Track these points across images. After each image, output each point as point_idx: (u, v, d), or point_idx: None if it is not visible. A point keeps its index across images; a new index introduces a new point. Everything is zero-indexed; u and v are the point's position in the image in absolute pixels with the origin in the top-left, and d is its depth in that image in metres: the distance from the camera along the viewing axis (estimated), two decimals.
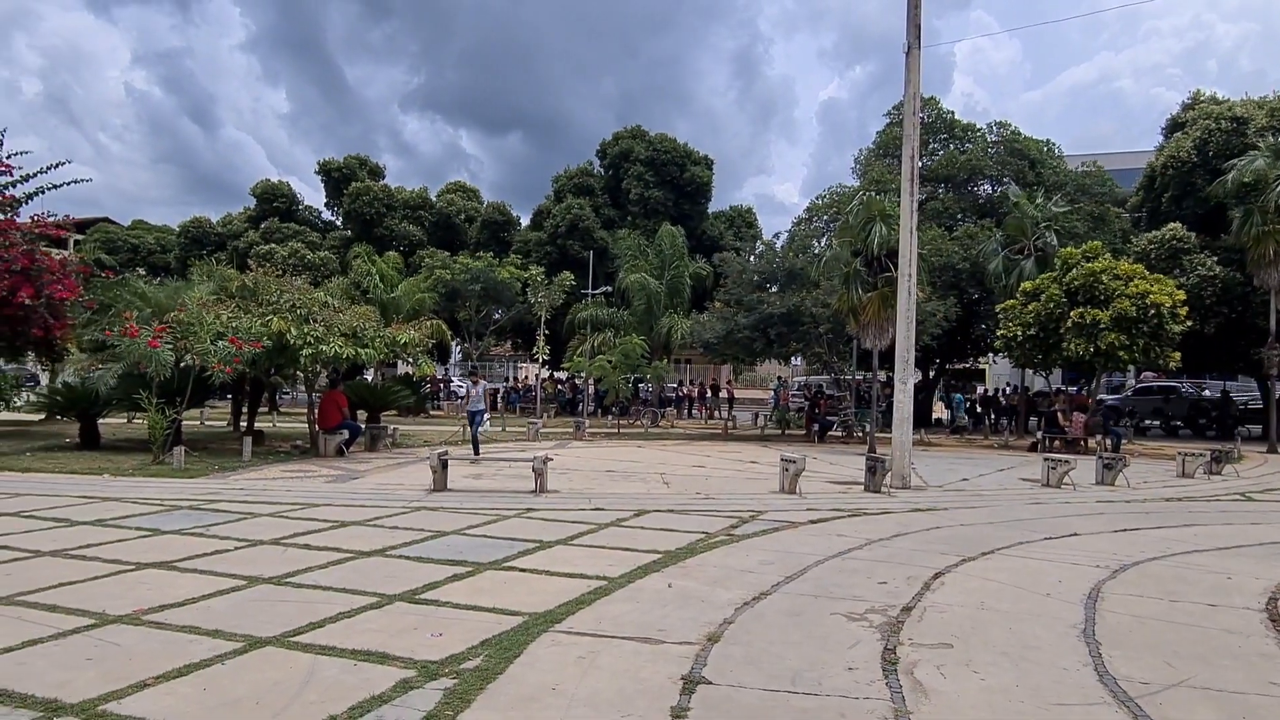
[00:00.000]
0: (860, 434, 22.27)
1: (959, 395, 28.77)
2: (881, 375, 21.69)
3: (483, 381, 17.85)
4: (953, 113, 30.17)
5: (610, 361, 26.44)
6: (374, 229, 38.61)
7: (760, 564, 6.97)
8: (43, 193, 18.40)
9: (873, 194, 21.45)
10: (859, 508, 10.23)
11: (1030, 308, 19.67)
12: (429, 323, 23.92)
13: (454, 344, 36.00)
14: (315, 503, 9.96)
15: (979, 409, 28.57)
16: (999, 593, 6.16)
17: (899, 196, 14.55)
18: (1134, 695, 4.15)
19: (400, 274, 31.45)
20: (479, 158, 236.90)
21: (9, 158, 17.93)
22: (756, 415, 27.84)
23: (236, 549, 7.29)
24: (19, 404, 21.47)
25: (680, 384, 38.06)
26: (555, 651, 4.67)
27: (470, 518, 9.09)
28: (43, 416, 18.92)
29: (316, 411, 16.31)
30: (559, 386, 36.34)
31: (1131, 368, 23.79)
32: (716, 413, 31.33)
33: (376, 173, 42.58)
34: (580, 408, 28.69)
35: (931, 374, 30.88)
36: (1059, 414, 20.76)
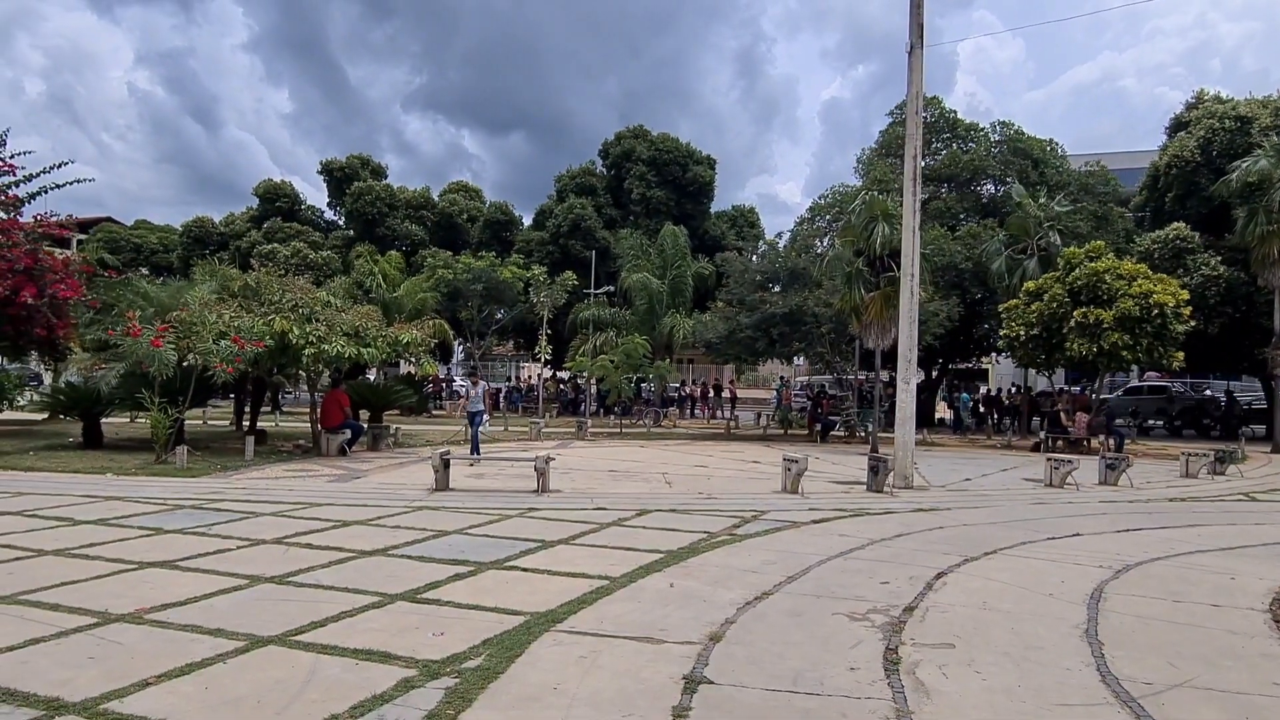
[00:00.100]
0: (863, 434, 22.24)
1: (966, 395, 28.70)
2: (884, 375, 21.68)
3: (482, 382, 17.81)
4: (955, 112, 30.12)
5: (612, 361, 26.43)
6: (376, 229, 38.66)
7: (762, 564, 6.96)
8: (45, 192, 18.46)
9: (875, 193, 21.43)
10: (861, 508, 10.21)
11: (1033, 307, 19.64)
12: (431, 322, 23.93)
13: (456, 344, 36.03)
14: (317, 502, 9.97)
15: (982, 409, 28.54)
16: (1001, 593, 6.15)
17: (901, 196, 14.52)
18: (1137, 695, 4.14)
19: (402, 274, 31.52)
20: (481, 157, 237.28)
21: (12, 157, 17.99)
22: (759, 415, 27.82)
23: (239, 548, 7.30)
24: (22, 403, 21.51)
25: (682, 384, 38.05)
26: (557, 651, 4.67)
27: (472, 517, 9.09)
28: (46, 416, 18.96)
29: (319, 411, 16.32)
30: (561, 386, 36.35)
31: (1135, 368, 23.75)
32: (719, 412, 31.32)
33: (379, 172, 42.63)
34: (582, 407, 28.69)
35: (934, 374, 30.85)
36: (1062, 414, 20.73)
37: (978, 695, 4.14)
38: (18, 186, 18.10)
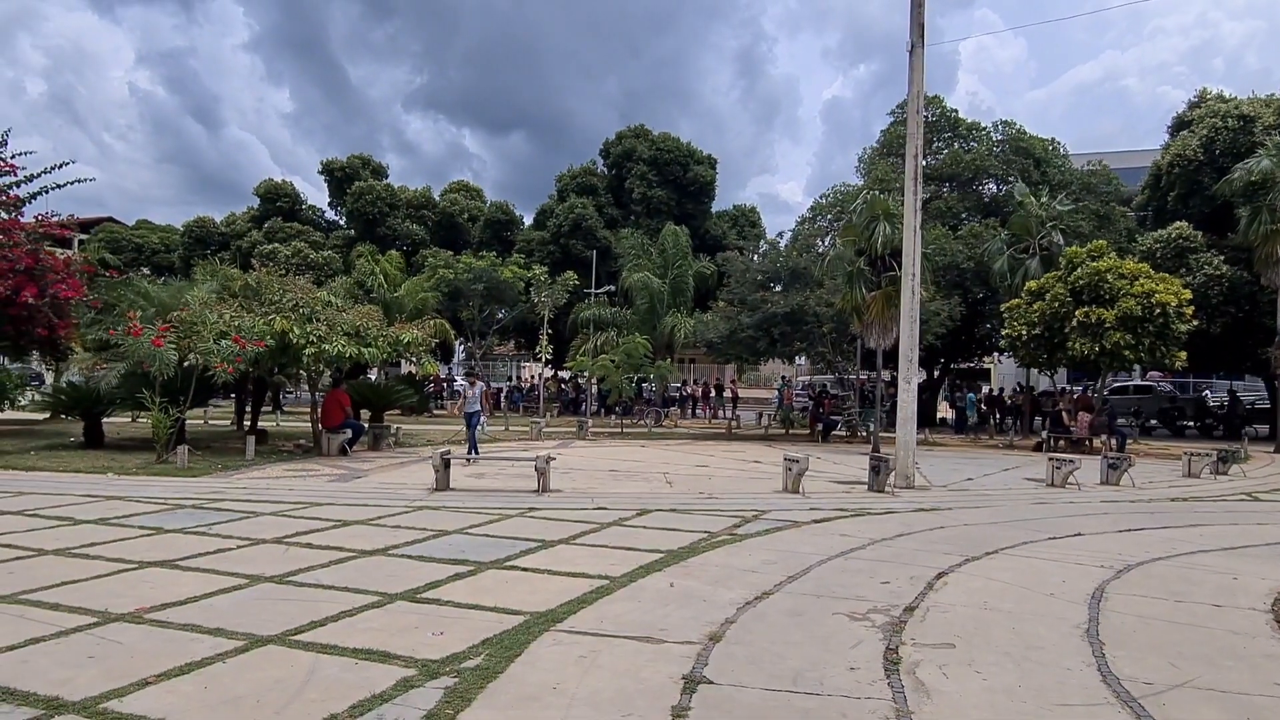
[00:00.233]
0: (864, 434, 22.23)
1: (971, 395, 28.69)
2: (885, 375, 21.67)
3: (480, 382, 17.68)
4: (957, 111, 30.08)
5: (613, 361, 26.43)
6: (377, 228, 38.68)
7: (763, 563, 6.95)
8: (46, 192, 18.47)
9: (876, 193, 21.41)
10: (862, 507, 10.20)
11: (1035, 307, 19.60)
12: (432, 322, 23.96)
13: (457, 343, 36.03)
14: (318, 502, 9.97)
15: (984, 408, 28.52)
16: (1002, 592, 6.14)
17: (903, 195, 14.50)
18: (1137, 695, 4.12)
19: (403, 273, 31.50)
20: (482, 157, 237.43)
21: (13, 158, 18.00)
22: (760, 415, 27.81)
23: (239, 548, 7.30)
24: (24, 403, 21.54)
25: (684, 384, 38.05)
26: (556, 651, 4.66)
27: (473, 517, 9.09)
28: (47, 415, 18.98)
29: (319, 411, 16.33)
30: (562, 386, 36.35)
31: (1137, 367, 23.73)
32: (720, 412, 31.30)
33: (379, 172, 42.64)
34: (583, 407, 28.68)
35: (936, 374, 30.82)
36: (1064, 414, 20.70)
37: (978, 695, 4.13)
38: (19, 187, 18.12)
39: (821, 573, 6.69)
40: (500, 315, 34.01)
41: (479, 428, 16.44)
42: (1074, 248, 20.36)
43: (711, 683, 4.20)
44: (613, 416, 26.99)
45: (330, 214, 43.96)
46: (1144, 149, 35.05)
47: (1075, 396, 23.89)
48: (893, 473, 12.00)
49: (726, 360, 29.94)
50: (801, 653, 4.69)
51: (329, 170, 41.71)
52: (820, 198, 30.94)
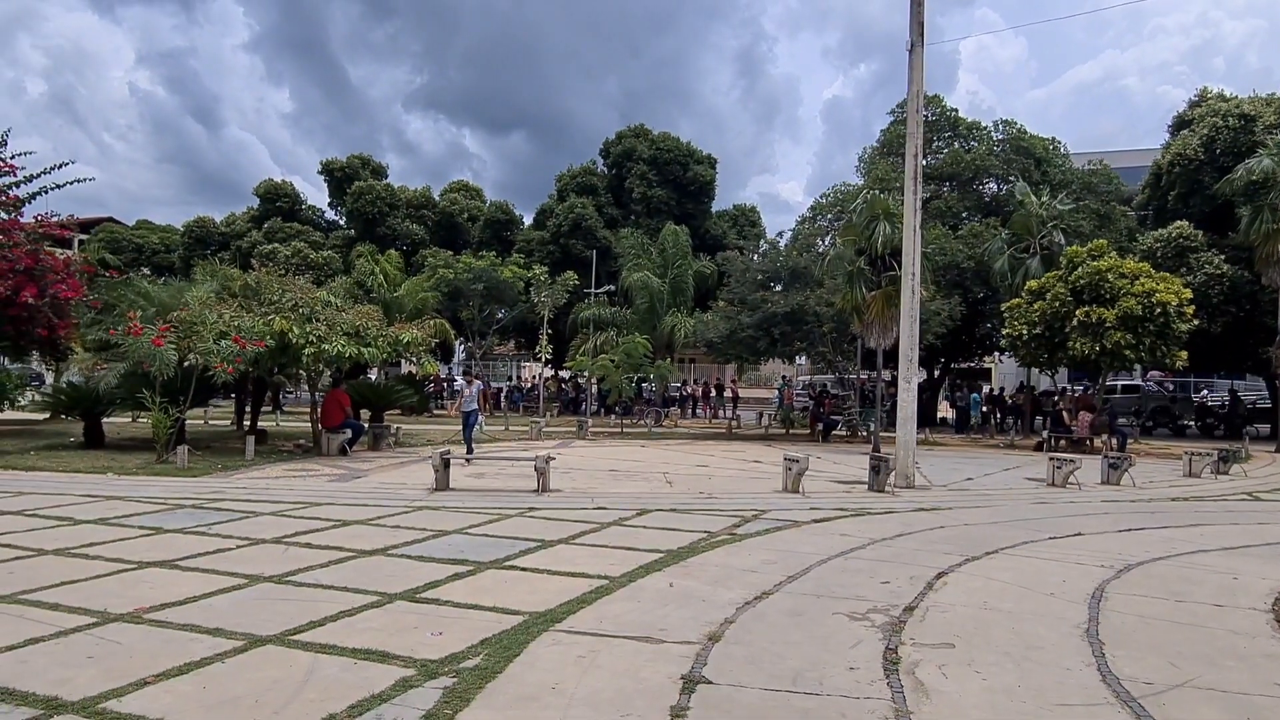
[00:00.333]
0: (865, 433, 22.22)
1: (976, 395, 28.67)
2: (886, 374, 21.66)
3: (477, 381, 17.62)
4: (957, 110, 30.08)
5: (613, 361, 26.43)
6: (377, 228, 38.69)
7: (762, 563, 6.94)
8: (46, 192, 18.47)
9: (877, 192, 21.40)
10: (863, 507, 10.19)
11: (1036, 306, 19.59)
12: (432, 322, 23.95)
13: (457, 343, 36.03)
14: (317, 501, 9.96)
15: (985, 408, 28.50)
16: (1002, 592, 6.13)
17: (903, 195, 14.50)
18: (1137, 695, 4.12)
19: (403, 273, 31.51)
20: (482, 157, 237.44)
21: (13, 158, 18.01)
22: (761, 415, 27.81)
23: (238, 548, 7.30)
24: (24, 403, 21.56)
25: (684, 383, 38.05)
26: (555, 651, 4.65)
27: (472, 517, 9.08)
28: (47, 415, 18.99)
29: (319, 411, 16.32)
30: (562, 386, 36.35)
31: (1138, 367, 23.73)
32: (720, 412, 31.30)
33: (379, 172, 42.66)
34: (583, 407, 28.67)
35: (936, 373, 30.81)
36: (1064, 413, 20.68)
37: (977, 695, 4.12)
38: (18, 187, 18.13)
39: (821, 572, 6.68)
40: (500, 315, 34.02)
41: (477, 426, 16.42)
42: (1074, 247, 20.36)
43: (710, 683, 4.20)
44: (612, 416, 27.00)
45: (330, 214, 44.02)
46: (1144, 148, 35.04)
47: (1076, 396, 23.89)
48: (893, 472, 11.99)
49: (726, 360, 29.93)
50: (801, 653, 4.68)
51: (329, 170, 41.72)
52: (820, 197, 30.97)
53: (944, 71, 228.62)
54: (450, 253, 35.02)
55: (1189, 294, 18.70)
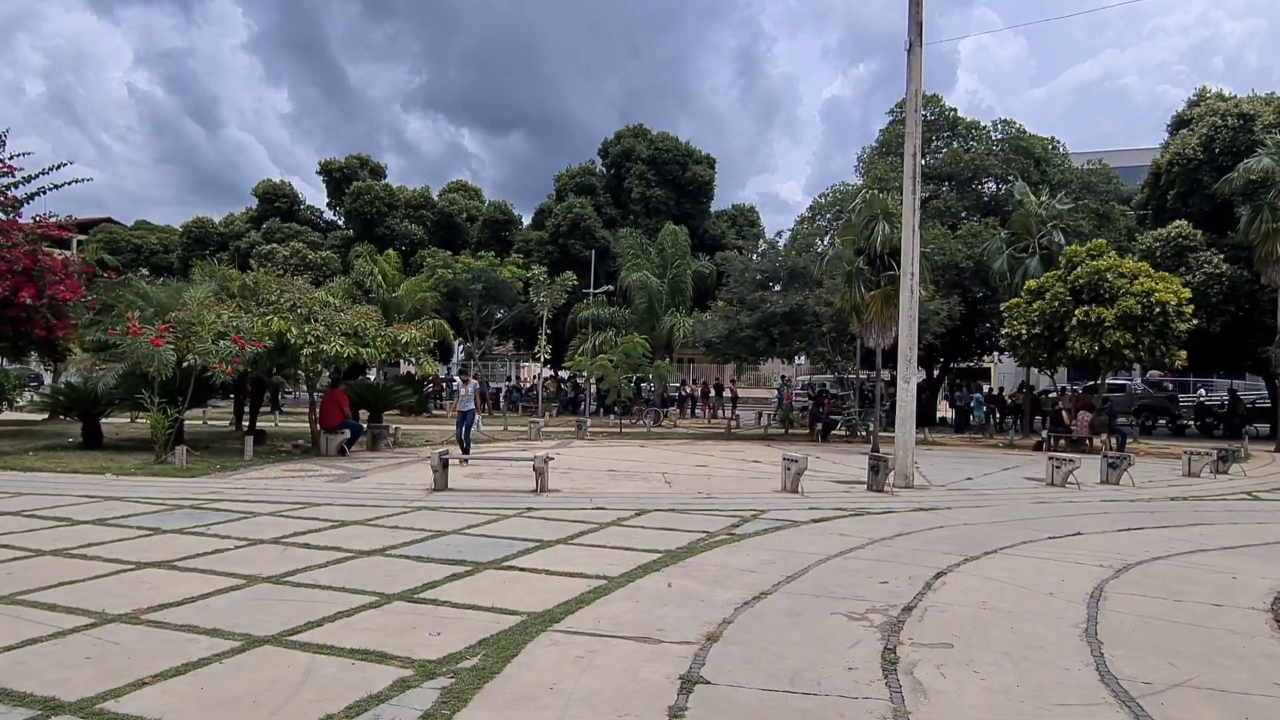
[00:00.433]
0: (864, 433, 22.22)
1: (978, 395, 28.64)
2: (885, 374, 21.65)
3: (473, 381, 17.57)
4: (956, 110, 30.08)
5: (612, 361, 26.42)
6: (375, 228, 38.66)
7: (761, 563, 6.94)
8: (44, 193, 18.45)
9: (876, 192, 21.39)
10: (861, 507, 10.19)
11: (1035, 306, 19.60)
12: (430, 322, 23.92)
13: (456, 343, 36.02)
14: (316, 502, 9.96)
15: (985, 407, 28.51)
16: (1001, 592, 6.13)
17: (902, 194, 14.50)
18: (1136, 695, 4.11)
19: (401, 273, 31.49)
20: (481, 157, 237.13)
21: (11, 159, 17.98)
22: (760, 414, 27.79)
23: (236, 548, 7.29)
24: (22, 403, 21.54)
25: (683, 383, 38.03)
26: (553, 651, 4.65)
27: (471, 517, 9.08)
28: (46, 416, 18.98)
29: (318, 411, 16.31)
30: (561, 386, 36.34)
31: (1137, 366, 23.75)
32: (719, 412, 31.30)
33: (378, 172, 42.63)
34: (582, 407, 28.66)
35: (935, 373, 30.83)
36: (1064, 413, 20.69)
37: (976, 695, 4.12)
38: (17, 188, 18.10)
39: (820, 572, 6.68)
40: (499, 315, 34.01)
41: (474, 426, 16.39)
42: (1074, 247, 20.36)
43: (709, 683, 4.19)
44: (611, 416, 26.99)
45: (329, 214, 43.97)
46: (1144, 148, 35.05)
47: (1075, 395, 23.89)
48: (892, 472, 11.99)
49: (726, 360, 29.94)
50: (799, 653, 4.68)
51: (327, 170, 41.69)
52: (819, 197, 30.95)
53: (943, 71, 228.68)
54: (449, 253, 35.02)
55: (1188, 293, 18.72)
